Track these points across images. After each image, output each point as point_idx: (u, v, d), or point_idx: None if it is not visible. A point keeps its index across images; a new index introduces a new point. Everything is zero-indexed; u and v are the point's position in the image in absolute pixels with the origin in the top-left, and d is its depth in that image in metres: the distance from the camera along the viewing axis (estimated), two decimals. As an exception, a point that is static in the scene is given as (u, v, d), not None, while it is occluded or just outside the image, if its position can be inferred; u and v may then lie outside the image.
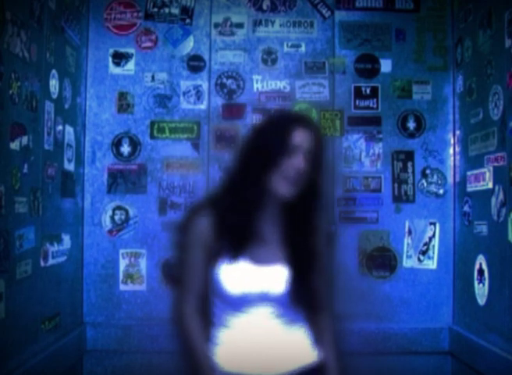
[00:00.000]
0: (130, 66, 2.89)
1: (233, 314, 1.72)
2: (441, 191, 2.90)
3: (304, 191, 1.70)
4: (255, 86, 2.91)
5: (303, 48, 2.92)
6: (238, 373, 1.70)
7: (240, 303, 1.69)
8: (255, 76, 2.91)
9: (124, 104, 2.88)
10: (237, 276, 1.68)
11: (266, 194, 1.70)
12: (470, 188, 2.66)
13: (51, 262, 2.35)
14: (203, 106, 2.89)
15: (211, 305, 1.75)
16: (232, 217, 1.68)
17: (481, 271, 2.50)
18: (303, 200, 1.72)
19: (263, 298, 1.69)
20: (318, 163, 1.72)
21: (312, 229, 1.76)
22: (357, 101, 2.91)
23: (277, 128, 1.71)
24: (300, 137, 1.68)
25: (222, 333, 1.74)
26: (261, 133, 1.75)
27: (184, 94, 2.90)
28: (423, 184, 2.90)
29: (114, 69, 2.89)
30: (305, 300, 1.73)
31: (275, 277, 1.69)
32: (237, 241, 1.68)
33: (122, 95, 2.88)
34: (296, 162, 1.66)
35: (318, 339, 1.78)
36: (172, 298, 1.79)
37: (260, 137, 1.74)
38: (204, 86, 2.90)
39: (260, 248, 1.69)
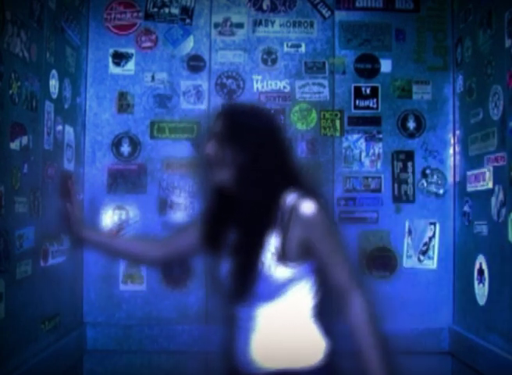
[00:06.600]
0: (130, 66, 2.89)
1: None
2: (441, 191, 2.90)
3: (235, 176, 1.68)
4: (255, 86, 2.91)
5: (303, 48, 2.92)
6: None
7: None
8: (255, 76, 2.91)
9: (124, 104, 2.88)
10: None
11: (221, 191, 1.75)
12: (470, 188, 2.66)
13: (51, 262, 2.35)
14: (203, 106, 2.89)
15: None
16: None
17: (481, 271, 2.50)
18: (238, 189, 1.69)
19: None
20: (233, 143, 1.66)
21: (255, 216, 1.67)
22: (357, 101, 2.91)
23: None
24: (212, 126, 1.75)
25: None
26: None
27: (184, 94, 2.90)
28: (423, 184, 2.90)
29: (114, 69, 2.89)
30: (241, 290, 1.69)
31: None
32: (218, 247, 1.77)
33: (122, 95, 2.88)
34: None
35: None
36: None
37: None
38: (204, 86, 2.90)
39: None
